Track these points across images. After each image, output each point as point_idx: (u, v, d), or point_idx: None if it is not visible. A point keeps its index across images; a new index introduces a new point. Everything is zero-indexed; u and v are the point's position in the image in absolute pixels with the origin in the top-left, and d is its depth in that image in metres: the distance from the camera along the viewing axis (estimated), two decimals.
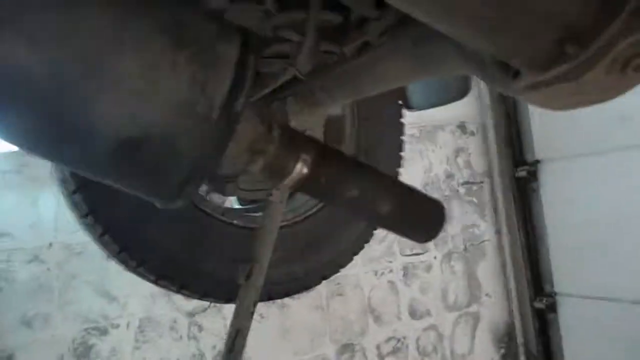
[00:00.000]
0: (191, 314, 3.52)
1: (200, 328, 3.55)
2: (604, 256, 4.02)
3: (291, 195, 1.57)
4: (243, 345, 1.39)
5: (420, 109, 2.04)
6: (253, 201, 1.94)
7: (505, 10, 0.67)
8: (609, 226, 3.97)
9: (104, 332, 3.29)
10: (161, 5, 0.84)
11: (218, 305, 3.61)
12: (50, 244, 3.20)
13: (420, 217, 1.14)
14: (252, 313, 1.42)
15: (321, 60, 1.32)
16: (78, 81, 0.78)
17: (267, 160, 0.97)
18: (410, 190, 1.14)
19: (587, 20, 0.68)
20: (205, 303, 3.55)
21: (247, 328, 1.41)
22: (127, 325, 3.36)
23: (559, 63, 0.71)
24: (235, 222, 1.62)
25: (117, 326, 3.33)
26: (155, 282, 1.57)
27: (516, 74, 0.76)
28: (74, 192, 1.43)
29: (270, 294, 1.68)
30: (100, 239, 1.49)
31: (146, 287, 3.38)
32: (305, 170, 0.98)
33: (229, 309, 3.61)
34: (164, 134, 0.83)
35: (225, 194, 1.67)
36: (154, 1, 0.83)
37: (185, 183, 0.90)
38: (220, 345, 3.60)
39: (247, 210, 1.84)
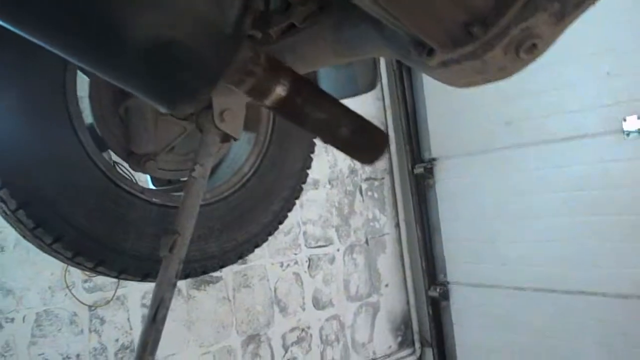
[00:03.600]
0: (93, 307, 3.42)
1: (102, 321, 3.45)
2: (491, 247, 4.39)
3: (211, 174, 1.62)
4: (165, 316, 1.42)
5: None
6: (168, 182, 1.97)
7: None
8: (496, 219, 4.34)
9: None
10: None
11: (122, 297, 3.54)
12: None
13: (369, 142, 1.30)
14: (175, 285, 1.45)
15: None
16: None
17: (254, 82, 1.07)
18: (362, 118, 1.27)
19: (489, 8, 0.81)
20: (108, 295, 3.47)
21: (169, 299, 1.44)
22: (23, 319, 3.19)
23: (467, 43, 0.84)
24: (154, 200, 1.64)
25: (12, 320, 3.16)
26: (72, 260, 1.55)
27: (430, 52, 0.88)
28: None
29: (187, 272, 1.72)
30: (14, 214, 1.45)
31: (44, 280, 3.26)
32: (283, 93, 1.09)
33: (132, 302, 3.55)
34: (185, 41, 0.95)
35: (144, 171, 1.68)
36: None
37: (197, 89, 1.04)
38: (124, 339, 3.53)
39: (165, 190, 1.86)
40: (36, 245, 1.57)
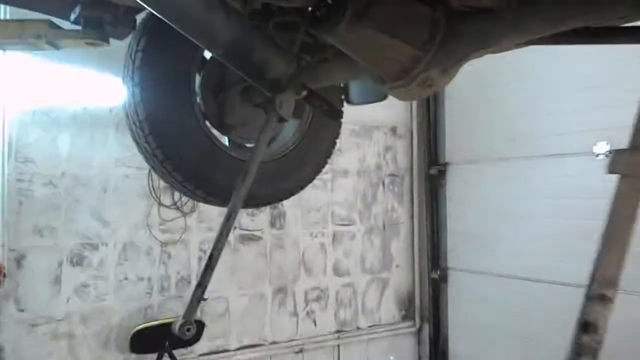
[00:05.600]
0: (164, 244, 4.46)
1: (170, 256, 4.50)
2: (486, 241, 5.25)
3: (272, 140, 2.61)
4: (221, 251, 2.39)
5: (355, 105, 3.12)
6: (239, 146, 2.97)
7: (378, 57, 1.74)
8: (493, 218, 5.20)
9: (95, 247, 4.19)
10: None
11: (186, 240, 4.57)
12: (63, 173, 4.08)
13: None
14: (234, 219, 2.42)
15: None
16: None
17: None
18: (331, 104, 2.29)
19: (410, 64, 1.75)
20: (176, 238, 4.50)
21: (221, 249, 2.41)
22: (114, 246, 4.27)
23: (401, 79, 1.78)
24: (233, 154, 2.62)
25: (106, 245, 4.24)
26: (181, 183, 2.54)
27: (383, 82, 1.82)
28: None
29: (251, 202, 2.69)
30: (153, 152, 2.45)
31: (132, 219, 4.32)
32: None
33: (193, 245, 4.55)
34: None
35: (229, 137, 2.68)
36: None
37: (278, 90, 1.99)
38: (183, 272, 4.56)
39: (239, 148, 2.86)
40: (160, 173, 2.59)
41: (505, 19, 1.53)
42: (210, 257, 2.42)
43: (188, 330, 2.28)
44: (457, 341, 5.57)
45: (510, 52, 1.95)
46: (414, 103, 5.92)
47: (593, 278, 1.07)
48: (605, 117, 4.20)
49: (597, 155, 4.29)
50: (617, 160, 1.15)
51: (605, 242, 1.10)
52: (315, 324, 5.25)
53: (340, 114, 2.82)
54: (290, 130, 2.88)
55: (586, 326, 1.03)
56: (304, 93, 2.12)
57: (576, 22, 1.45)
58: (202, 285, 2.39)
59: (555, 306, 4.52)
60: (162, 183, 4.40)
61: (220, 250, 2.47)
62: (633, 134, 1.17)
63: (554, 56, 4.44)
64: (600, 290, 1.05)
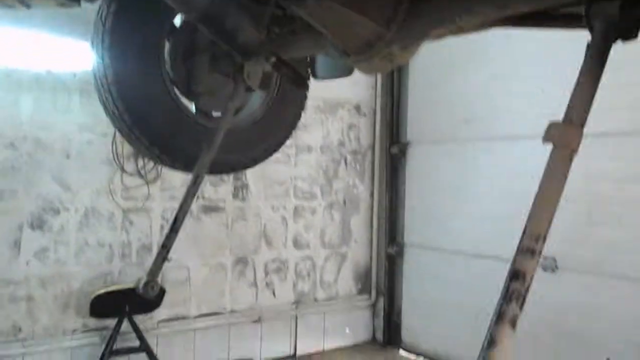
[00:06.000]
0: (126, 211, 4.49)
1: (131, 223, 4.53)
2: (441, 219, 5.46)
3: (239, 109, 2.68)
4: (186, 213, 2.47)
5: (321, 79, 3.21)
6: (205, 113, 3.03)
7: (344, 31, 1.84)
8: (449, 197, 5.41)
9: (56, 212, 4.19)
10: None
11: (148, 208, 4.61)
12: (24, 136, 4.05)
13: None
14: (199, 184, 2.50)
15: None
16: None
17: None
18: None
19: (374, 39, 1.86)
20: (138, 205, 4.54)
21: (186, 212, 2.48)
22: (76, 211, 4.28)
23: (364, 53, 1.88)
24: (200, 121, 2.68)
25: (68, 210, 4.24)
26: (148, 148, 2.58)
27: (347, 55, 1.92)
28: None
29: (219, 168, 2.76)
30: (120, 115, 2.49)
31: (94, 185, 4.33)
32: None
33: (155, 213, 4.58)
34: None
35: (196, 104, 2.74)
36: None
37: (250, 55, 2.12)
38: (145, 240, 4.61)
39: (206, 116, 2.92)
40: (127, 137, 2.63)
41: (459, 1, 1.65)
42: (175, 219, 2.51)
43: (152, 288, 2.38)
44: (410, 314, 5.80)
45: (473, 35, 2.07)
46: (379, 83, 6.05)
47: (524, 233, 1.21)
48: (557, 101, 4.41)
49: None
50: (552, 132, 1.30)
51: (538, 202, 1.24)
52: (274, 295, 5.38)
53: (307, 82, 2.91)
54: (257, 101, 2.97)
55: (516, 275, 1.18)
56: (273, 60, 2.21)
57: (527, 6, 1.58)
58: (166, 246, 2.48)
59: (500, 281, 4.76)
60: (125, 150, 4.42)
61: (185, 213, 2.56)
62: (567, 108, 1.31)
63: (510, 40, 4.62)
64: (529, 244, 1.19)
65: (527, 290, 1.16)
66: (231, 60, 2.57)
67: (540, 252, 1.19)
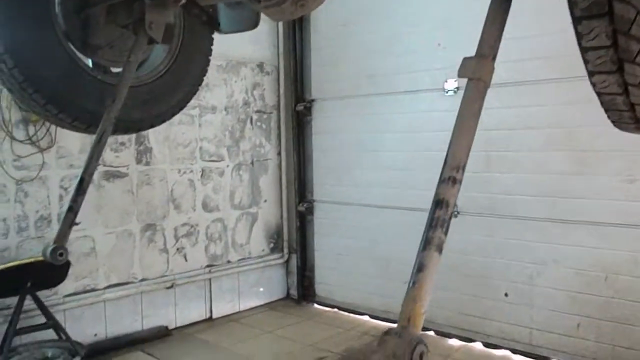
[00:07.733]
0: (19, 182, 4.17)
1: (26, 195, 4.22)
2: (348, 173, 5.58)
3: (141, 63, 2.53)
4: (92, 175, 2.33)
5: (225, 33, 3.11)
6: (104, 69, 2.84)
7: None
8: (354, 152, 5.53)
9: None
10: None
11: (44, 177, 4.31)
12: None
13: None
14: (105, 142, 2.36)
15: None
16: None
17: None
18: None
19: None
20: (33, 174, 4.23)
21: (92, 173, 2.34)
22: None
23: None
24: (99, 77, 2.51)
25: None
26: (43, 107, 2.38)
27: (259, 1, 1.88)
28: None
29: (120, 128, 2.61)
30: (10, 71, 2.27)
31: None
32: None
33: (52, 183, 4.30)
34: None
35: (93, 58, 2.55)
36: None
37: None
38: (43, 211, 4.32)
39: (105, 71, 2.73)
40: (19, 96, 2.42)
41: None
42: (81, 180, 2.37)
43: (61, 255, 2.24)
44: (323, 269, 5.94)
45: None
46: (281, 41, 5.98)
47: (445, 163, 1.26)
48: (456, 56, 4.60)
49: (447, 92, 4.71)
50: (466, 66, 1.35)
51: (456, 134, 1.30)
52: (186, 259, 5.28)
53: (218, 25, 2.82)
54: (159, 54, 2.83)
55: (439, 203, 1.23)
56: (183, 0, 2.10)
57: None
58: (73, 209, 2.34)
59: (407, 229, 5.00)
60: (14, 116, 4.08)
61: (92, 174, 2.42)
62: (479, 42, 1.37)
63: None
64: (450, 173, 1.25)
65: (450, 217, 1.22)
66: (130, 11, 2.43)
67: (460, 181, 1.25)
